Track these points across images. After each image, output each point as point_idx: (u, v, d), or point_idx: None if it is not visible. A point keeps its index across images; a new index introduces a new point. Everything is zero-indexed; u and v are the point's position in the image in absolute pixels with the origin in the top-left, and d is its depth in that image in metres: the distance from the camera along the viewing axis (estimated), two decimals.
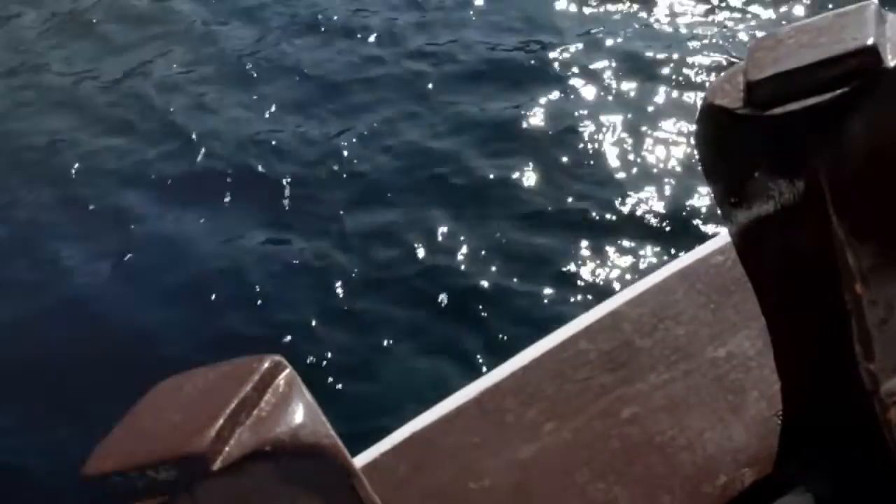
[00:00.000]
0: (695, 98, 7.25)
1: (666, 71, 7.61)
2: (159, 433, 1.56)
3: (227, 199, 7.53)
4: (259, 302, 6.51)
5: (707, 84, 7.27)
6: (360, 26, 9.08)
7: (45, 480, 5.29)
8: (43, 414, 6.01)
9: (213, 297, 6.68)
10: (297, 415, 1.58)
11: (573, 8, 8.70)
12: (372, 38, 8.91)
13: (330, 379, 5.59)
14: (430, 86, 8.18)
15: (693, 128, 2.02)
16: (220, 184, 7.65)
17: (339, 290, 6.41)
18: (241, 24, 9.58)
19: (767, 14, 7.96)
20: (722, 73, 1.95)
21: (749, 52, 1.90)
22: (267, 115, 8.29)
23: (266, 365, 1.62)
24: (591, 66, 7.88)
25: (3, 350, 6.59)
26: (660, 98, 7.38)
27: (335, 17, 9.22)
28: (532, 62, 8.13)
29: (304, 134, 7.96)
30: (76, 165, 8.17)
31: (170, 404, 1.63)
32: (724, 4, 8.16)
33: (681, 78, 7.51)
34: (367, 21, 9.13)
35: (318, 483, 1.62)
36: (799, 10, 7.97)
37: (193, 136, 8.22)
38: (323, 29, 9.18)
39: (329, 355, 5.85)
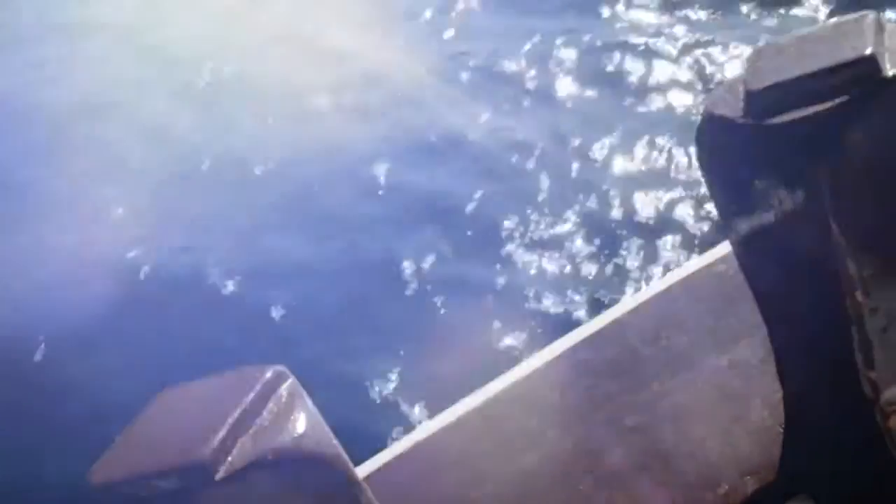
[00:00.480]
0: (689, 106, 7.25)
1: (661, 81, 7.62)
2: (163, 442, 1.57)
3: (213, 214, 7.50)
4: (263, 313, 6.51)
5: (702, 93, 7.29)
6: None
7: (51, 490, 5.29)
8: (49, 423, 6.01)
9: (216, 308, 6.68)
10: (300, 424, 1.59)
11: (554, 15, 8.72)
12: (321, 67, 8.72)
13: (333, 388, 5.59)
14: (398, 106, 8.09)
15: (692, 137, 2.02)
16: (199, 197, 7.60)
17: (344, 300, 6.41)
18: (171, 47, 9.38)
19: (738, 25, 7.96)
20: (722, 83, 1.97)
21: (749, 62, 1.91)
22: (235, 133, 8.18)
23: (268, 374, 1.63)
24: (586, 80, 7.88)
25: (11, 360, 6.60)
26: (655, 108, 7.38)
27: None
28: (533, 86, 8.11)
29: (276, 165, 7.86)
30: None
31: (173, 414, 1.64)
32: (705, 17, 8.16)
33: (678, 87, 7.51)
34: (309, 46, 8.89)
35: (320, 491, 1.63)
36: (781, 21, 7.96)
37: (158, 151, 8.14)
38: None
39: (332, 365, 5.85)
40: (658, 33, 8.19)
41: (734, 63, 7.50)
